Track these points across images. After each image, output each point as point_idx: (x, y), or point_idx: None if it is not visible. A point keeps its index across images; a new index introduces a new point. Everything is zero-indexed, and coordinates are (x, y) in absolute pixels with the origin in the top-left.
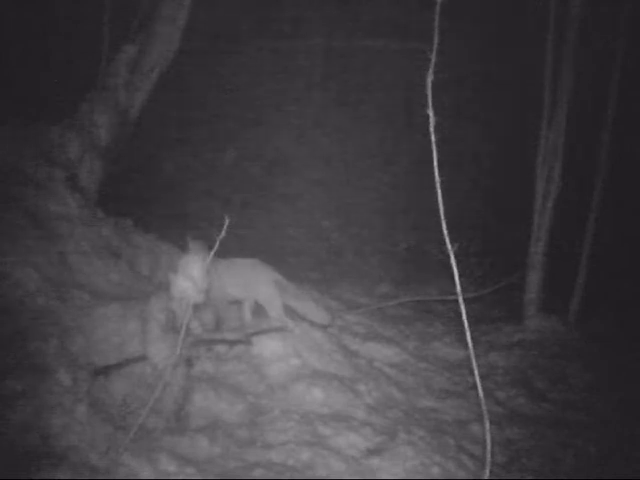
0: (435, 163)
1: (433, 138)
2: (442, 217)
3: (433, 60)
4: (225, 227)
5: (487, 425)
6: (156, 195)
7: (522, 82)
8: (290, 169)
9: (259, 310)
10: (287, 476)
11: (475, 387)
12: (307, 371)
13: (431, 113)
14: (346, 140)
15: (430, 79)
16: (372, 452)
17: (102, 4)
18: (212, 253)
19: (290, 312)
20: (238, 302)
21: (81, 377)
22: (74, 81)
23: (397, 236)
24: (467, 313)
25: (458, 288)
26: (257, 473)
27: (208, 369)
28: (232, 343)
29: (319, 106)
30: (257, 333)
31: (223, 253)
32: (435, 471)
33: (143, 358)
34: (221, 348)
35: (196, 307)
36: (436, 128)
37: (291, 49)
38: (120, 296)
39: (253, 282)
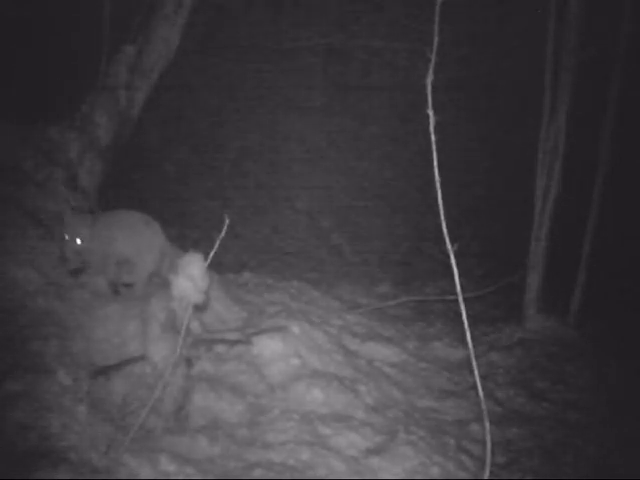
0: (435, 163)
1: (433, 138)
2: (442, 217)
3: (433, 60)
4: (225, 227)
5: (487, 425)
6: (156, 195)
7: (522, 81)
8: (290, 169)
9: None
10: (287, 476)
11: (475, 387)
12: (307, 371)
13: (431, 113)
14: (346, 140)
15: (430, 79)
16: (372, 452)
17: (102, 4)
18: (212, 253)
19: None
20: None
21: (81, 377)
22: (74, 81)
23: (397, 236)
24: (467, 313)
25: (458, 288)
26: (257, 473)
27: (208, 369)
28: (232, 343)
29: (319, 106)
30: (257, 333)
31: (222, 253)
32: (435, 471)
33: (143, 358)
34: (221, 348)
35: (196, 307)
36: (436, 128)
37: (290, 49)
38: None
39: (140, 244)
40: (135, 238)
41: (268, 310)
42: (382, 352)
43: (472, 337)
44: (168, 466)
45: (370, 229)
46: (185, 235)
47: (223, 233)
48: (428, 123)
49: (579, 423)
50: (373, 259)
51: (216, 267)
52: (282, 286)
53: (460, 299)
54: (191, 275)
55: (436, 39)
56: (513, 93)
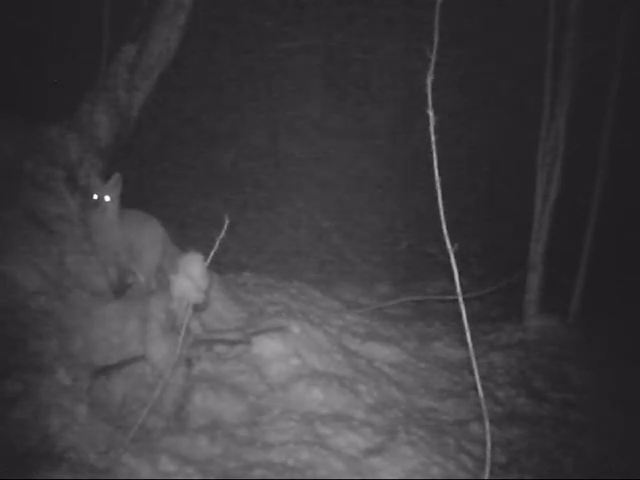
0: (435, 163)
1: (433, 138)
2: (442, 217)
3: (433, 60)
4: (225, 227)
5: (487, 425)
6: (156, 195)
7: (522, 82)
8: (290, 169)
9: None
10: (287, 476)
11: (475, 387)
12: (307, 371)
13: (431, 113)
14: (346, 140)
15: (430, 79)
16: (372, 452)
17: (102, 3)
18: (212, 253)
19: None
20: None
21: (81, 377)
22: (74, 81)
23: (397, 236)
24: (467, 313)
25: (458, 288)
26: (257, 473)
27: (208, 369)
28: (232, 343)
29: (319, 106)
30: (257, 333)
31: (222, 253)
32: (435, 471)
33: (143, 358)
34: (221, 348)
35: (196, 307)
36: (436, 128)
37: (291, 49)
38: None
39: (145, 238)
40: (139, 231)
41: (268, 310)
42: (382, 352)
43: (472, 337)
44: (168, 466)
45: (370, 229)
46: (185, 235)
47: (223, 233)
48: (428, 122)
49: (579, 423)
50: (373, 259)
51: (216, 267)
52: (282, 286)
53: (460, 299)
54: (191, 275)
55: (436, 39)
56: (514, 93)
